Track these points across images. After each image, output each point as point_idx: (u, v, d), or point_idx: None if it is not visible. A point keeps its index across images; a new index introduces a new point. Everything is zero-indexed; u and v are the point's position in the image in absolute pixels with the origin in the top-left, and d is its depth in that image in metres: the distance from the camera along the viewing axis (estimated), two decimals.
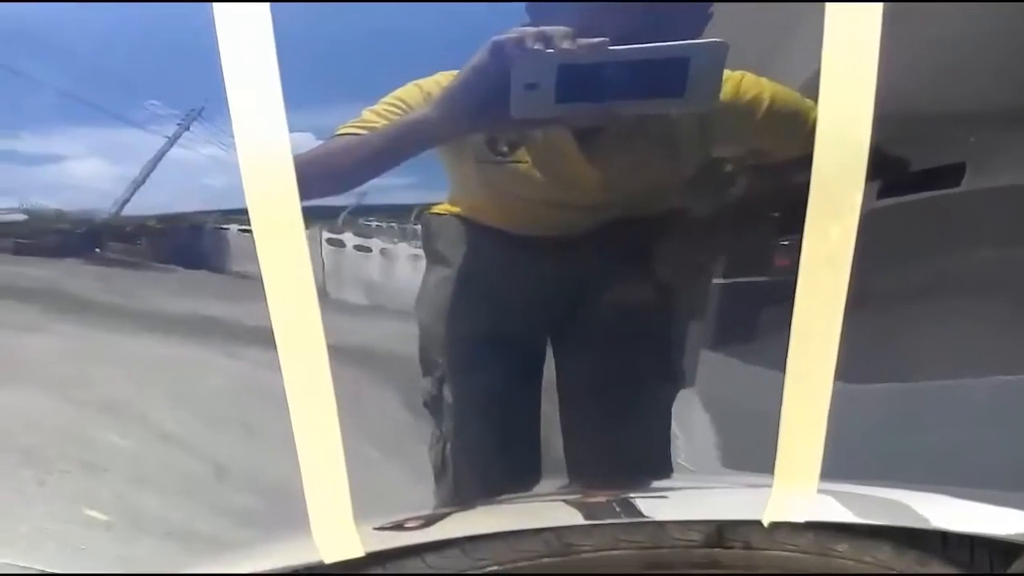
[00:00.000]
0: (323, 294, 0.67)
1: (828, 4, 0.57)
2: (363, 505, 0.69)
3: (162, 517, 0.78)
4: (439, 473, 0.75)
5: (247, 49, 0.58)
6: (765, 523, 0.67)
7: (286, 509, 0.71)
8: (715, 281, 0.71)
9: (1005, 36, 0.63)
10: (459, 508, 0.76)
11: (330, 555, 0.69)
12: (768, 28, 0.64)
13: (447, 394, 0.73)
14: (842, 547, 0.76)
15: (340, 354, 0.67)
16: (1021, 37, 0.62)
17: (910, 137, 0.63)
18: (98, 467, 0.79)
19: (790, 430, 0.65)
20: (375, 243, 0.69)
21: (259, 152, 0.59)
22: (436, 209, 0.68)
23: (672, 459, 0.74)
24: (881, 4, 0.57)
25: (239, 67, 0.58)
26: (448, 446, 0.74)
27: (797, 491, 0.66)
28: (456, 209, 0.68)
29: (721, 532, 0.75)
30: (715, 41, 0.58)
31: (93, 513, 0.78)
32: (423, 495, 0.75)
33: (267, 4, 0.58)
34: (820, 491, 0.66)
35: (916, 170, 0.64)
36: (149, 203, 0.68)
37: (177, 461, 0.75)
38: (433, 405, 0.73)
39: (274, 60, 0.58)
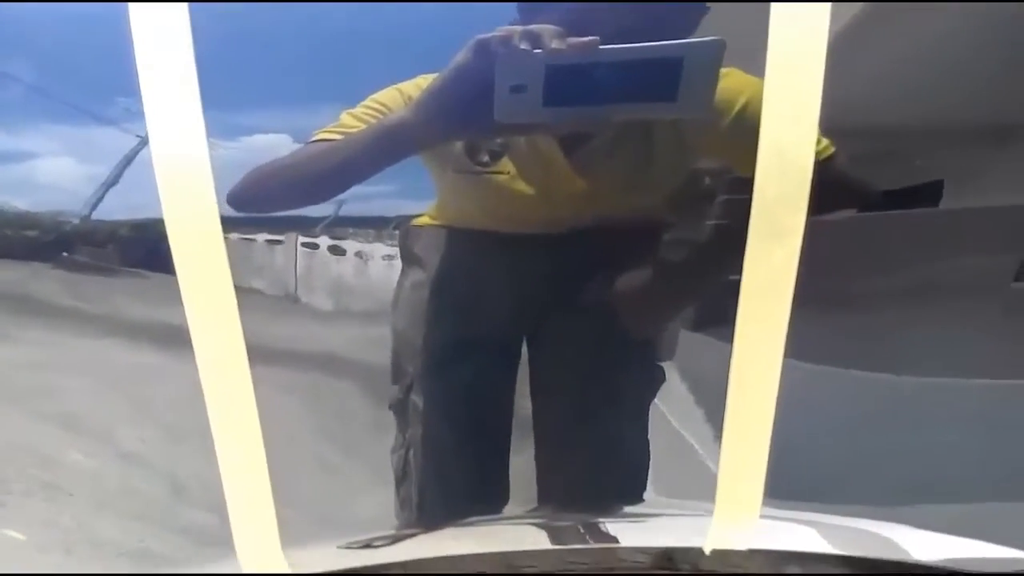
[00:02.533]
0: (293, 299, 0.64)
1: (773, 13, 0.54)
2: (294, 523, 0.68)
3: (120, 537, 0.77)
4: (400, 479, 0.73)
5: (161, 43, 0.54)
6: (707, 551, 0.66)
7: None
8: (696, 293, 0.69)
9: (962, 51, 0.60)
10: (423, 529, 0.73)
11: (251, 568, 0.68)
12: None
13: (415, 398, 0.71)
14: (792, 568, 0.75)
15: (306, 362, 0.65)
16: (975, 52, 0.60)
17: (856, 156, 0.61)
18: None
19: (730, 452, 0.63)
20: (350, 245, 0.67)
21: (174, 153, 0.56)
22: (416, 222, 0.66)
23: (647, 475, 0.72)
24: (828, 14, 0.54)
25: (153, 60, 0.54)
26: (411, 452, 0.73)
27: (739, 517, 0.64)
28: (436, 222, 0.66)
29: (670, 555, 0.74)
30: (712, 39, 0.54)
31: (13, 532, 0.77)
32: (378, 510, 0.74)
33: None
34: (763, 516, 0.65)
35: (863, 190, 0.62)
36: (121, 205, 0.66)
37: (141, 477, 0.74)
38: (399, 408, 0.72)
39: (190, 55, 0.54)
